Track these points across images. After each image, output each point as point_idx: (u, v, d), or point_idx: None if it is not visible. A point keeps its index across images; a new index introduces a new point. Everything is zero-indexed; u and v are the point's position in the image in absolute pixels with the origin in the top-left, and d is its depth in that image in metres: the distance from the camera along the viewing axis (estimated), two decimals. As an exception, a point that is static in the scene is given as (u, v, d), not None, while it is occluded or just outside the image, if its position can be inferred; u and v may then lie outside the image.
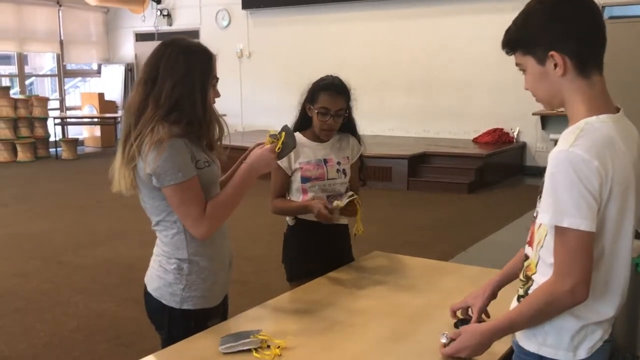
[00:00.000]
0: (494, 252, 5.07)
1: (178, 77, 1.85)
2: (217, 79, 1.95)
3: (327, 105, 2.47)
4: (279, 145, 1.99)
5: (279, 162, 2.26)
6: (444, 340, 1.65)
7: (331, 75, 2.57)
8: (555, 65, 1.39)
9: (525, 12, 1.43)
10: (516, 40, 1.44)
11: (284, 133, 2.01)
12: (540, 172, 1.43)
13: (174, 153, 1.80)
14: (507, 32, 1.46)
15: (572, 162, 1.30)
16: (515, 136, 9.29)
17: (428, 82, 9.87)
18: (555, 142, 1.43)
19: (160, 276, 1.95)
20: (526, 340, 1.46)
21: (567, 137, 1.35)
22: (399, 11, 9.96)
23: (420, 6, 9.77)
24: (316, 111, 2.49)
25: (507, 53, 1.48)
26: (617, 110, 1.43)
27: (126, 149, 1.85)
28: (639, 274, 1.99)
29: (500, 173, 8.70)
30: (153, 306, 1.98)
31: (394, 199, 7.60)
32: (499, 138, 9.16)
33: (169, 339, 1.91)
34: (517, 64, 1.47)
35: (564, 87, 1.41)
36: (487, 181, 8.27)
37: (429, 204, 7.46)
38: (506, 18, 1.55)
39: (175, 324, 1.95)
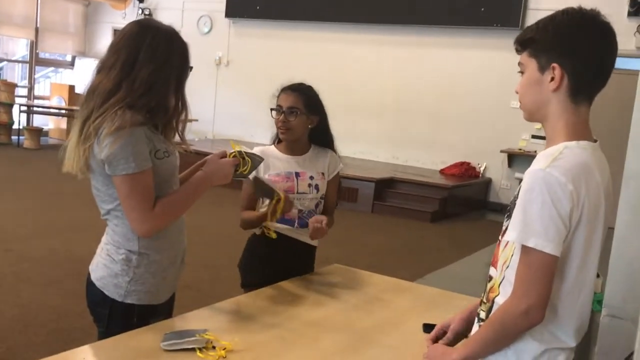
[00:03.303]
0: (450, 282, 5.08)
1: (158, 63, 1.79)
2: (192, 67, 1.91)
3: (280, 102, 2.46)
4: (242, 169, 1.96)
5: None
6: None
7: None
8: (552, 79, 1.38)
9: (550, 17, 1.41)
10: (529, 39, 1.42)
11: (250, 160, 1.97)
12: (502, 209, 1.40)
13: (132, 142, 1.73)
14: (526, 29, 1.44)
15: (547, 183, 1.29)
16: (482, 171, 9.40)
17: (400, 110, 9.94)
18: (520, 180, 1.41)
19: (107, 265, 1.86)
20: None
21: (545, 157, 1.34)
22: (377, 37, 10.03)
23: (398, 35, 9.86)
24: (272, 110, 2.48)
25: (517, 50, 1.46)
26: (595, 141, 1.43)
27: (84, 128, 1.77)
28: (595, 311, 1.98)
29: (464, 206, 8.78)
30: (94, 296, 1.89)
31: (358, 221, 7.59)
32: (465, 171, 9.25)
33: (106, 333, 1.82)
34: (519, 63, 1.46)
35: (551, 103, 1.40)
36: (450, 212, 8.33)
37: (391, 228, 7.46)
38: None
39: (116, 317, 1.86)
